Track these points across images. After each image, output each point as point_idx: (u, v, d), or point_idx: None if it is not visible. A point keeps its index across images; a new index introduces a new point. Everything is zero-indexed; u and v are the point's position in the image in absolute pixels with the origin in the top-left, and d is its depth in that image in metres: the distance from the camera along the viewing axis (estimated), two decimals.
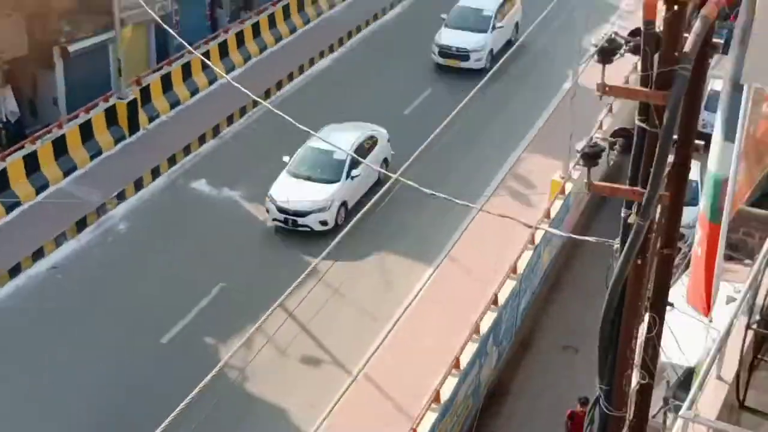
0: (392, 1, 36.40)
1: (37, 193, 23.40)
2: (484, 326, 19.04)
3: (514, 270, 20.71)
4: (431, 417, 16.77)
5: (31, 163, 23.59)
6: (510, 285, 20.33)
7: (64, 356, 18.58)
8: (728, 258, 15.94)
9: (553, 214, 22.58)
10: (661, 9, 8.34)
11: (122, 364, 18.43)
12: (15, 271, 21.03)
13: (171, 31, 23.63)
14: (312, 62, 31.67)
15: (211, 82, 28.53)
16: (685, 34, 8.22)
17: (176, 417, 11.21)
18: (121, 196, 23.83)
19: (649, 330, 10.82)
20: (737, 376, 11.20)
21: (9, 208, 22.51)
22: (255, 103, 25.72)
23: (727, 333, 11.15)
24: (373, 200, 20.69)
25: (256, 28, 32.02)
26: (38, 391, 17.84)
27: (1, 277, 20.72)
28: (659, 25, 8.35)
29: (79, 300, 20.37)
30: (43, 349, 18.77)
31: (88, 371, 18.23)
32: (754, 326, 11.16)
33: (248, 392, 18.19)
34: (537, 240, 21.43)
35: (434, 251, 22.30)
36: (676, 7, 8.16)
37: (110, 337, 19.18)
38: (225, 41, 30.68)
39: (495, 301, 19.71)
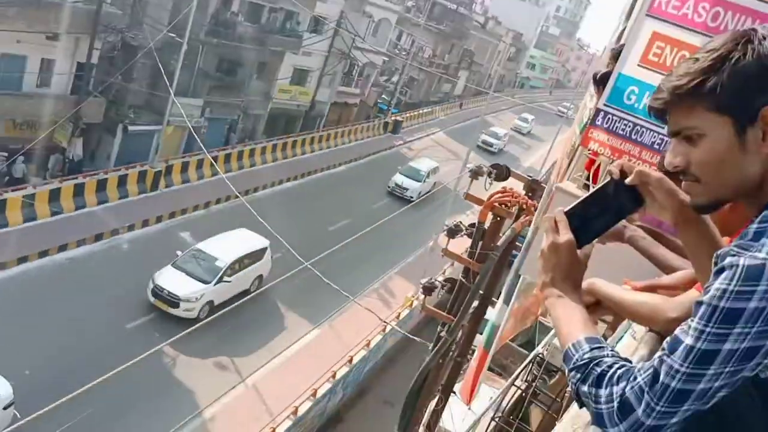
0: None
1: (76, 209, 22.36)
2: (339, 374, 18.63)
3: (367, 344, 20.46)
4: (287, 423, 16.15)
5: (79, 190, 22.67)
6: (362, 353, 20.05)
7: (55, 316, 17.43)
8: (498, 373, 16.19)
9: (401, 317, 22.56)
10: (489, 216, 8.85)
11: (95, 334, 17.28)
12: (43, 254, 19.83)
13: (196, 135, 23.56)
14: (280, 182, 31.64)
15: (213, 174, 28.20)
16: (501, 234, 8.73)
17: (116, 376, 10.35)
18: (131, 227, 22.93)
19: (437, 404, 10.77)
20: None
21: (53, 214, 21.46)
22: (237, 196, 25.39)
23: (479, 419, 11.19)
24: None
25: (251, 152, 32.06)
26: (32, 334, 16.55)
27: (31, 255, 19.50)
28: (487, 225, 8.88)
29: (78, 284, 19.26)
30: (47, 308, 17.56)
31: (67, 330, 17.11)
32: (497, 419, 11.22)
33: (172, 374, 17.19)
34: (387, 330, 21.29)
35: (319, 319, 21.88)
36: (498, 218, 8.72)
37: (92, 312, 18.05)
38: (229, 153, 30.56)
39: (350, 360, 19.35)
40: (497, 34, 77.82)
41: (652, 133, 4.85)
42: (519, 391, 11.03)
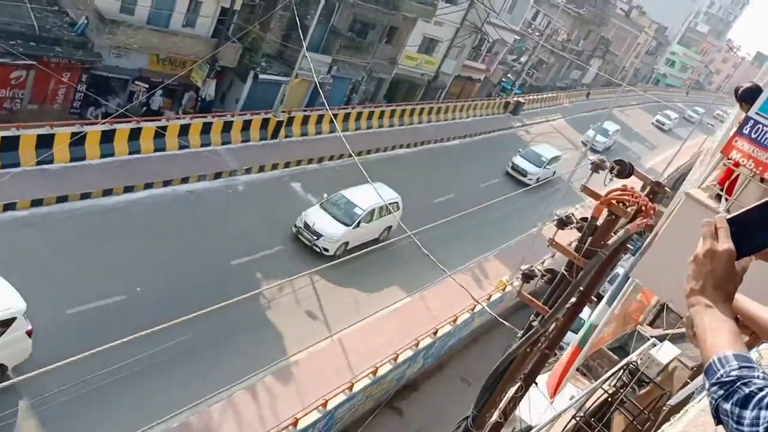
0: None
1: (202, 146, 23.57)
2: (422, 344, 18.79)
3: (455, 320, 20.46)
4: (365, 381, 16.53)
5: (206, 129, 23.86)
6: (447, 328, 20.08)
7: (171, 242, 18.57)
8: (583, 373, 15.80)
9: (492, 299, 22.36)
10: (604, 212, 8.50)
11: (202, 264, 18.34)
12: (167, 183, 21.12)
13: (321, 92, 24.05)
14: (393, 148, 31.87)
15: (331, 131, 28.78)
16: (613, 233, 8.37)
17: (216, 310, 10.98)
18: (248, 170, 23.93)
19: (517, 392, 10.65)
20: None
21: (181, 147, 22.75)
22: (350, 155, 25.83)
23: (560, 414, 10.95)
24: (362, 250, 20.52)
25: (370, 114, 32.42)
26: (150, 255, 17.79)
27: (158, 182, 20.82)
28: (600, 221, 8.56)
29: (195, 216, 20.42)
30: (164, 235, 18.77)
31: (180, 258, 18.20)
32: (578, 418, 10.98)
33: (266, 316, 17.99)
34: (476, 309, 21.20)
35: (413, 288, 22.04)
36: (613, 216, 8.38)
37: (203, 244, 19.14)
38: (349, 113, 31.05)
39: (435, 333, 19.46)
40: (639, 25, 73.75)
41: None
42: (605, 395, 10.73)
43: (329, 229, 21.03)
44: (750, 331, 1.71)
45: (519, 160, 35.02)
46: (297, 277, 16.41)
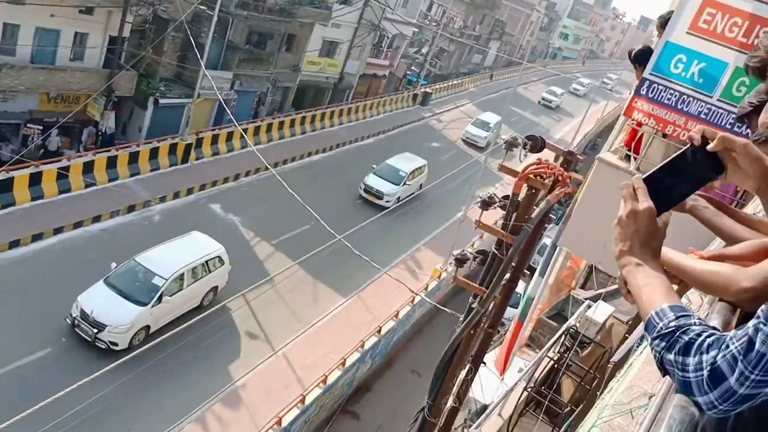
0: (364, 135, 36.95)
1: (109, 181, 22.66)
2: (368, 344, 18.80)
3: (396, 315, 20.57)
4: (317, 391, 16.37)
5: (111, 163, 22.95)
6: (390, 324, 20.17)
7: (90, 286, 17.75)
8: (527, 345, 16.21)
9: (429, 288, 22.61)
10: (524, 188, 8.76)
11: None
12: (78, 225, 20.18)
13: (227, 108, 23.62)
14: (309, 155, 31.68)
15: (242, 147, 28.31)
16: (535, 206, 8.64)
17: (150, 348, 10.58)
18: (162, 199, 23.18)
19: (467, 374, 10.81)
20: (510, 416, 11.20)
21: (87, 186, 21.80)
22: (266, 168, 25.49)
23: (511, 389, 11.19)
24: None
25: (280, 124, 32.09)
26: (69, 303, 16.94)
27: (68, 226, 19.87)
28: (521, 197, 8.81)
29: (111, 255, 19.58)
30: (80, 279, 17.91)
31: None
32: (529, 389, 11.23)
33: (205, 344, 17.49)
34: (415, 301, 21.39)
35: (348, 290, 21.96)
36: (533, 190, 8.65)
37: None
38: (259, 126, 30.63)
39: (379, 331, 19.50)
40: (530, 4, 76.34)
41: (699, 102, 4.70)
42: (551, 363, 11.04)
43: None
44: (678, 280, 1.78)
45: (372, 180, 28.85)
46: (232, 299, 15.98)
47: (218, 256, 18.44)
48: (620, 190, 1.51)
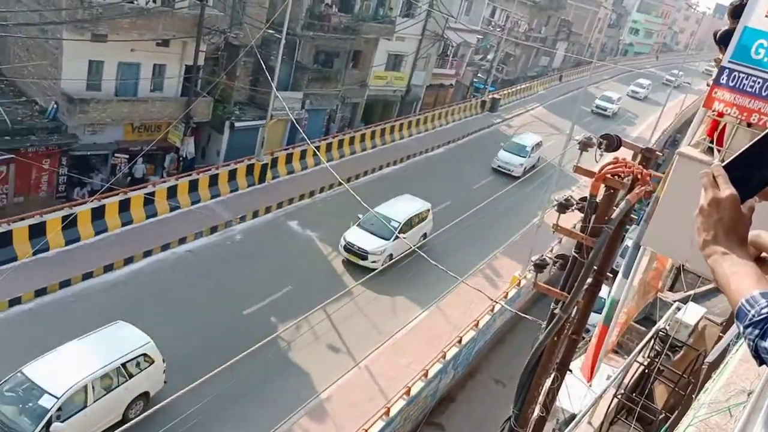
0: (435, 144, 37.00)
1: (192, 204, 23.64)
2: (449, 355, 18.69)
3: (476, 324, 20.38)
4: (401, 403, 16.40)
5: (193, 186, 23.92)
6: (471, 334, 19.99)
7: (180, 306, 18.50)
8: (614, 351, 15.71)
9: (509, 296, 22.30)
10: (602, 188, 8.54)
11: (214, 320, 18.27)
12: (165, 247, 21.10)
13: (299, 128, 24.24)
14: (380, 168, 31.97)
15: (316, 164, 28.88)
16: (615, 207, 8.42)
17: (238, 361, 10.96)
18: (243, 219, 23.95)
19: (553, 383, 10.58)
20: (601, 424, 10.88)
21: (172, 209, 22.79)
22: (340, 183, 25.90)
23: (600, 396, 10.86)
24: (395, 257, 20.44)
25: (351, 140, 32.57)
26: (161, 323, 17.70)
27: (156, 248, 20.82)
28: (599, 198, 8.59)
29: (198, 274, 20.38)
30: (170, 299, 18.71)
31: (190, 319, 18.10)
32: (619, 396, 10.88)
33: (289, 357, 17.89)
34: (495, 310, 21.14)
35: (427, 300, 21.97)
36: (611, 190, 8.42)
37: (211, 301, 19.07)
38: (330, 142, 31.21)
39: (460, 341, 19.37)
40: (596, 1, 74.54)
41: None
42: (641, 368, 10.67)
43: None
44: None
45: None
46: (312, 312, 16.35)
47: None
48: (700, 178, 1.50)
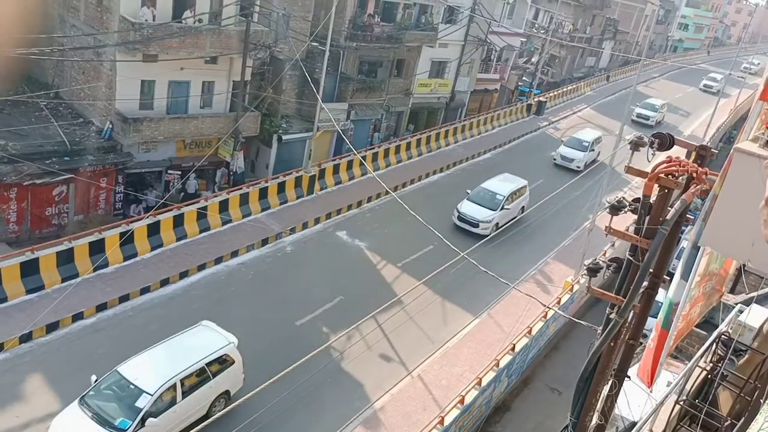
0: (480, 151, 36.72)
1: (243, 217, 24.04)
2: (502, 363, 18.45)
3: (529, 331, 20.07)
4: (455, 412, 16.25)
5: (244, 200, 24.34)
6: (524, 341, 19.68)
7: (233, 317, 18.80)
8: (674, 356, 15.26)
9: (562, 302, 21.90)
10: (655, 188, 8.31)
11: (267, 331, 18.50)
12: (218, 260, 21.51)
13: (346, 139, 24.44)
14: (427, 176, 31.92)
15: (363, 174, 29.04)
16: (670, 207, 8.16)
17: (292, 371, 11.05)
18: (292, 230, 24.22)
19: (611, 389, 10.33)
20: None
21: (224, 223, 23.23)
22: (387, 192, 25.98)
23: (662, 403, 10.54)
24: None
25: (397, 148, 32.63)
26: None
27: (209, 262, 21.24)
28: (653, 199, 8.35)
29: (251, 286, 20.68)
30: (225, 311, 19.03)
31: (244, 330, 18.36)
32: (681, 402, 10.55)
33: (342, 367, 17.95)
34: (548, 316, 20.79)
35: (478, 308, 21.76)
36: (665, 190, 8.17)
37: (264, 312, 19.32)
38: (376, 152, 31.33)
39: (513, 348, 19.09)
40: None
41: None
42: (703, 374, 10.30)
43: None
44: None
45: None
46: (363, 321, 16.38)
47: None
48: (764, 169, 1.44)
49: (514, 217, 27.05)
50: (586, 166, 35.74)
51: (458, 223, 26.30)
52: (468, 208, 26.52)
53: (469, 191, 27.36)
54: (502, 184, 27.77)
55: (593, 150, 36.98)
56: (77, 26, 24.53)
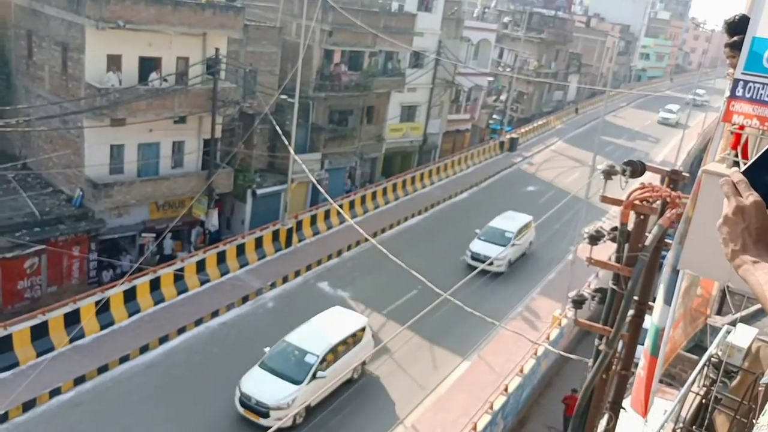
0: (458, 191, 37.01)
1: (221, 276, 23.83)
2: (496, 405, 18.25)
3: (521, 371, 19.95)
4: None
5: (221, 258, 24.16)
6: (517, 380, 19.55)
7: (217, 380, 18.46)
8: (667, 384, 15.23)
9: (551, 338, 21.85)
10: (632, 216, 8.45)
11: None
12: (198, 322, 21.20)
13: (321, 189, 24.47)
14: (405, 219, 32.03)
15: (341, 222, 29.04)
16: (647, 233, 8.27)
17: None
18: (273, 285, 24.03)
19: (608, 423, 10.28)
20: None
21: (202, 283, 22.99)
22: (366, 239, 25.93)
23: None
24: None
25: (373, 194, 32.79)
26: (200, 400, 17.65)
27: (189, 324, 20.92)
28: (630, 226, 8.46)
29: (233, 346, 20.35)
30: (209, 374, 18.67)
31: (228, 393, 17.99)
32: (678, 430, 10.51)
33: (335, 420, 17.57)
34: (539, 353, 20.71)
35: (467, 350, 21.60)
36: (641, 217, 8.32)
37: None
38: (353, 200, 31.45)
39: (506, 389, 18.93)
40: (603, 31, 75.36)
41: None
42: (698, 398, 10.27)
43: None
44: None
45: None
46: (350, 371, 16.17)
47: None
48: (720, 187, 1.48)
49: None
50: (511, 263, 27.55)
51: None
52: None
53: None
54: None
55: (518, 244, 27.71)
56: (42, 95, 24.60)
